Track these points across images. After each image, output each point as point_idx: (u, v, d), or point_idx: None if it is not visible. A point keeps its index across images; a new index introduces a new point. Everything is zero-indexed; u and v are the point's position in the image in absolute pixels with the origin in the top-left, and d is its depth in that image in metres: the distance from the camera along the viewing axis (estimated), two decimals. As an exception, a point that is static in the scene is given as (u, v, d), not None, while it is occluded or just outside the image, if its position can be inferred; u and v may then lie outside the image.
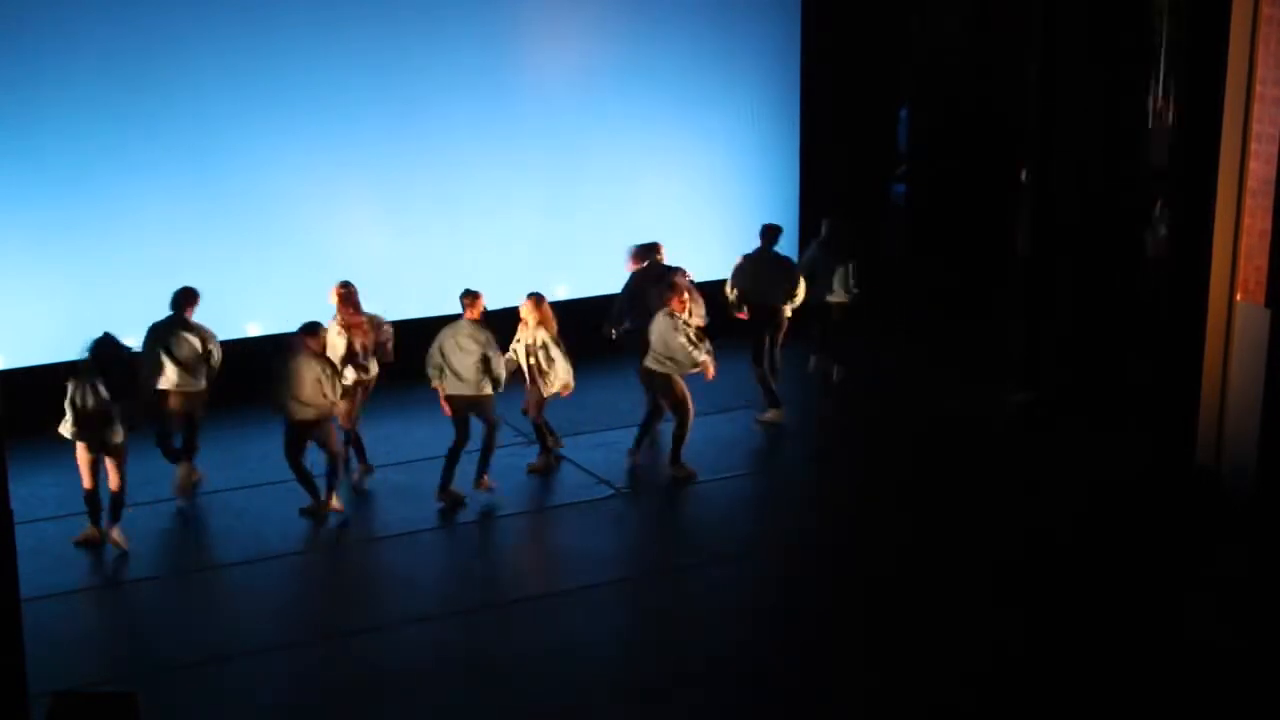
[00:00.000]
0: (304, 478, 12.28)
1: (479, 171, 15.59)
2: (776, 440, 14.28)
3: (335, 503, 12.33)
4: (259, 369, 13.81)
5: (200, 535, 12.04)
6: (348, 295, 12.89)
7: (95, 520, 11.81)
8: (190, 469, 12.77)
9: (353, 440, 13.12)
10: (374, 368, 13.04)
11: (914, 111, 16.92)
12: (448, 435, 13.45)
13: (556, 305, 13.62)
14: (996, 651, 10.48)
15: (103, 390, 11.43)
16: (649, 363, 12.97)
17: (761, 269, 14.41)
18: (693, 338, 12.82)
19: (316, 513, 12.30)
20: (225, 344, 13.09)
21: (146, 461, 13.09)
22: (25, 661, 8.52)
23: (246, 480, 13.22)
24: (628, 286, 14.14)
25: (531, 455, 13.43)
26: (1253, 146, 12.11)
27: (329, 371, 12.09)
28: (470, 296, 12.60)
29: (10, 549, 8.28)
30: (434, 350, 12.57)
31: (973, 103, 16.08)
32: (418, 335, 14.98)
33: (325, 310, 14.90)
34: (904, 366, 15.89)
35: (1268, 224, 12.07)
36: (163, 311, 13.09)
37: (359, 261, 15.14)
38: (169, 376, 12.56)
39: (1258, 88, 12.02)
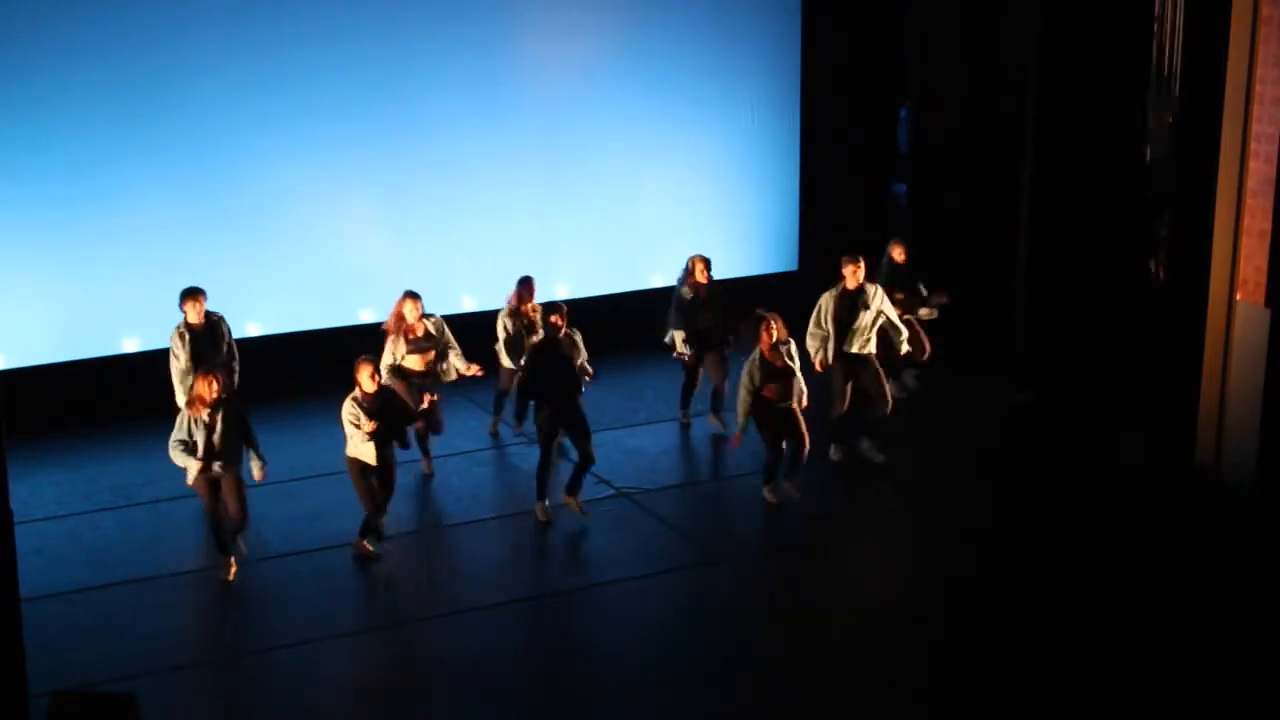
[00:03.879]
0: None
1: (479, 171, 15.58)
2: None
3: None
4: (259, 369, 13.84)
5: (201, 536, 12.03)
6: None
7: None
8: None
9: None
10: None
11: (914, 111, 16.92)
12: (448, 437, 13.46)
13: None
14: (996, 653, 10.48)
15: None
16: None
17: None
18: (748, 385, 12.31)
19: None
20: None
21: (148, 462, 13.11)
22: (25, 661, 8.53)
23: (245, 480, 13.20)
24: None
25: (531, 455, 13.34)
26: (1253, 146, 12.12)
27: None
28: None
29: (10, 549, 8.29)
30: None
31: (973, 102, 16.07)
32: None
33: (319, 309, 15.00)
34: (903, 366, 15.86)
35: (1268, 224, 12.08)
36: (162, 310, 13.09)
37: (359, 261, 15.17)
38: None
39: (1258, 88, 12.02)
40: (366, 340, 14.28)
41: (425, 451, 13.21)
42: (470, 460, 13.54)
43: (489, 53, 15.46)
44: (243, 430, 11.36)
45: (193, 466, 11.20)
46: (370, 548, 11.71)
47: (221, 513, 11.45)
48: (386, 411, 11.54)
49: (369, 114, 15.03)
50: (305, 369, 14.67)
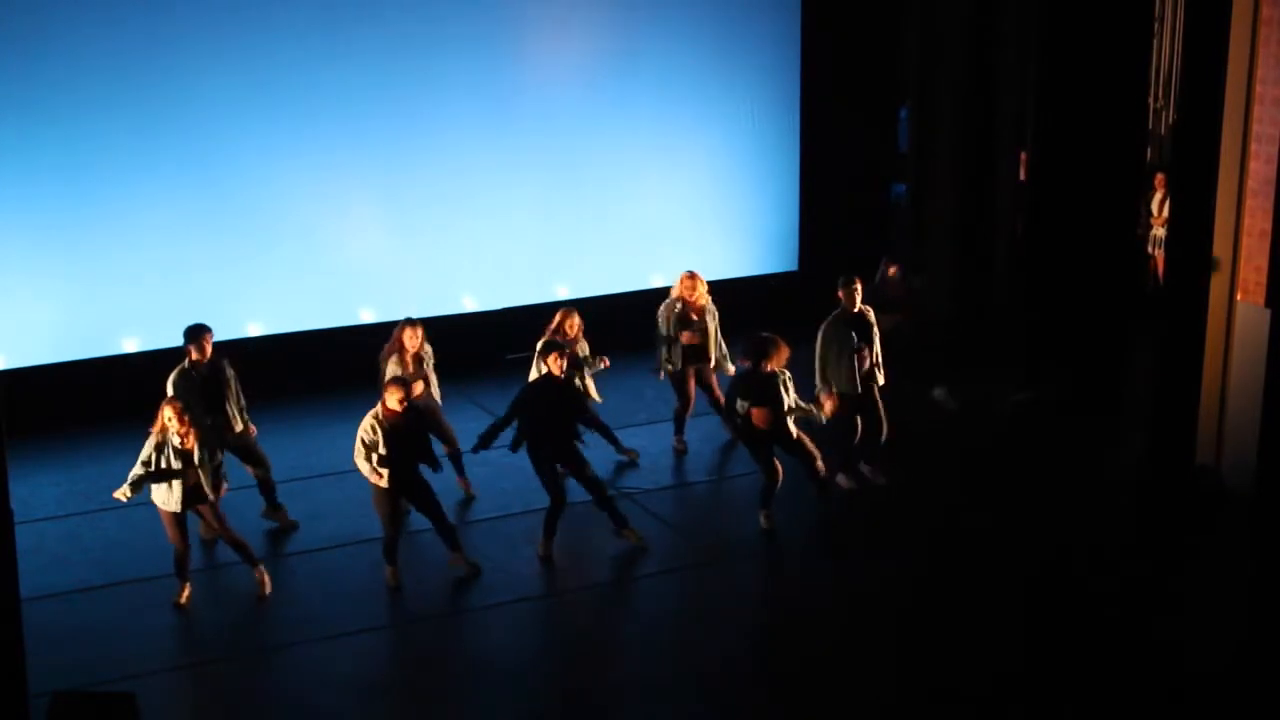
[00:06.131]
0: None
1: (479, 171, 15.58)
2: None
3: None
4: (259, 369, 13.84)
5: (200, 536, 12.02)
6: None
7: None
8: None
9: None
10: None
11: (914, 111, 16.93)
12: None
13: (555, 305, 13.60)
14: (996, 652, 10.49)
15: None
16: None
17: None
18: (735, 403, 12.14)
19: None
20: (225, 344, 13.02)
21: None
22: (25, 661, 8.54)
23: (245, 481, 13.20)
24: None
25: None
26: (1253, 146, 12.13)
27: None
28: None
29: (10, 549, 8.30)
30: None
31: (973, 101, 16.07)
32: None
33: (319, 309, 14.98)
34: (905, 366, 15.86)
35: (1268, 224, 12.09)
36: (162, 310, 13.08)
37: (359, 261, 15.17)
38: None
39: (1258, 88, 12.03)
40: (367, 340, 14.31)
41: (460, 471, 12.94)
42: (470, 460, 13.53)
43: (489, 53, 15.46)
44: (214, 469, 11.15)
45: (122, 491, 11.00)
46: (395, 579, 11.43)
47: (198, 539, 11.55)
48: (412, 434, 11.27)
49: (369, 114, 15.03)
50: (305, 369, 14.67)
